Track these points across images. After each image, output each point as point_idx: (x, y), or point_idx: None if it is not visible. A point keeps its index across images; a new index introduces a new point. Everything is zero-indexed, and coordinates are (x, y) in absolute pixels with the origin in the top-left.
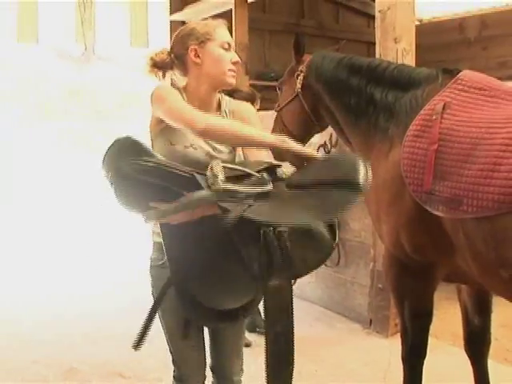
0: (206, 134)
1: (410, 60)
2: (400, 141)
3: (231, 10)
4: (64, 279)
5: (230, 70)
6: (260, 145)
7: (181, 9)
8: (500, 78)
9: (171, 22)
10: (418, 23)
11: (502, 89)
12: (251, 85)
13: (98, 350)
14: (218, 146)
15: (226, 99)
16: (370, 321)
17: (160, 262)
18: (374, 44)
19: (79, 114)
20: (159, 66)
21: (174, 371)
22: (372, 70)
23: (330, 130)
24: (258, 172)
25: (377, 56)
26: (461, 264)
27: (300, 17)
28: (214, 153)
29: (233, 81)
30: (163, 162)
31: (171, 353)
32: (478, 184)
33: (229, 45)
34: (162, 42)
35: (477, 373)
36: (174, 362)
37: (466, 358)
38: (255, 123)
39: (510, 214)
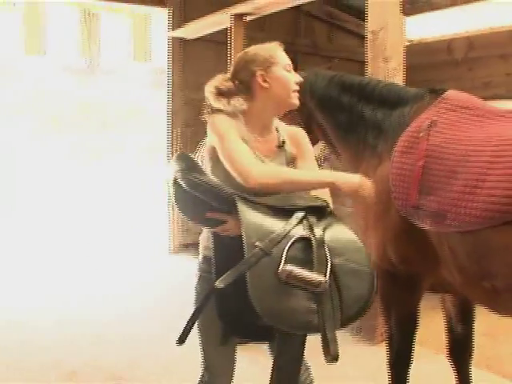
0: (257, 190)
1: (398, 79)
2: (388, 156)
3: (229, 28)
4: (66, 284)
5: (294, 91)
6: (318, 187)
7: (180, 26)
8: (485, 98)
9: (171, 38)
10: (407, 44)
11: (485, 108)
12: None
13: (99, 354)
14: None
15: (277, 121)
16: (360, 328)
17: (210, 275)
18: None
19: (89, 127)
20: (225, 93)
21: (203, 376)
22: (362, 88)
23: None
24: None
25: (368, 75)
26: (445, 275)
27: (295, 36)
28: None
29: (297, 101)
30: (208, 181)
31: (204, 358)
32: (461, 199)
33: (290, 66)
34: (163, 57)
35: (460, 379)
36: (205, 367)
37: (450, 365)
38: (309, 147)
39: (491, 228)
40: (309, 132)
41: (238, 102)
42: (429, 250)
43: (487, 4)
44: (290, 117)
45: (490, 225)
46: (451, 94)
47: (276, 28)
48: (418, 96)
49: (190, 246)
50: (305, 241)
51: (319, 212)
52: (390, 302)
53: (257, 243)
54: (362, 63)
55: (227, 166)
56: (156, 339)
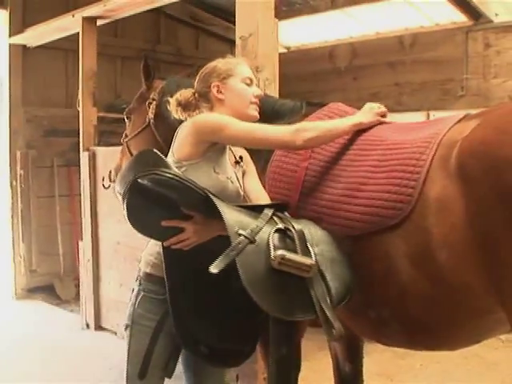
0: (307, 147)
1: (272, 90)
2: (261, 177)
3: (78, 34)
4: None
5: (252, 103)
6: (350, 130)
7: (21, 31)
8: None
9: (10, 45)
10: (284, 51)
11: None
12: (100, 117)
13: None
14: (240, 184)
15: None
16: (237, 376)
17: (161, 297)
18: None
19: None
20: (184, 105)
21: None
22: None
23: None
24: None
25: None
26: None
27: (156, 42)
28: (240, 190)
29: (256, 113)
30: (180, 175)
31: None
32: (341, 202)
33: (250, 80)
34: (0, 66)
35: None
36: None
37: None
38: (253, 164)
39: (370, 235)
40: (169, 147)
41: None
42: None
43: (372, 7)
44: (144, 134)
45: (369, 229)
46: (335, 103)
47: (132, 33)
48: (295, 109)
49: (38, 290)
50: (281, 233)
51: (281, 212)
52: (268, 342)
53: (240, 231)
54: None
55: (250, 144)
56: None
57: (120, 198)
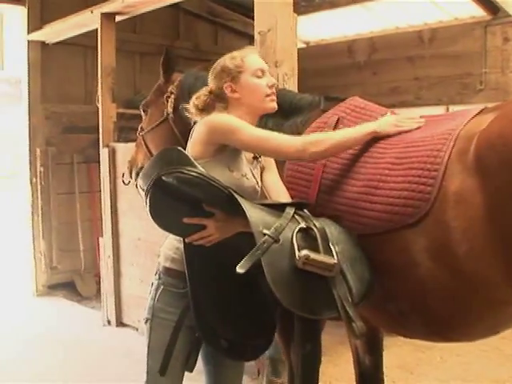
0: (318, 159)
1: (291, 85)
2: (280, 173)
3: (96, 30)
4: None
5: (267, 95)
6: (362, 140)
7: (40, 27)
8: (392, 105)
9: (29, 41)
10: (304, 46)
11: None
12: (119, 114)
13: None
14: (258, 180)
15: None
16: (258, 371)
17: (181, 290)
18: None
19: None
20: (202, 108)
21: None
22: None
23: None
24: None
25: None
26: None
27: (175, 38)
28: (257, 186)
29: (274, 104)
30: (205, 174)
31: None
32: (360, 200)
33: (262, 71)
34: (18, 64)
35: None
36: None
37: None
38: (272, 160)
39: (391, 240)
40: (187, 143)
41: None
42: None
43: (392, 2)
44: (162, 127)
45: (388, 228)
46: (356, 98)
47: (150, 29)
48: (314, 103)
49: (58, 287)
50: (304, 232)
51: (301, 209)
52: (289, 336)
53: (264, 231)
54: None
55: (259, 151)
56: None
57: (143, 193)
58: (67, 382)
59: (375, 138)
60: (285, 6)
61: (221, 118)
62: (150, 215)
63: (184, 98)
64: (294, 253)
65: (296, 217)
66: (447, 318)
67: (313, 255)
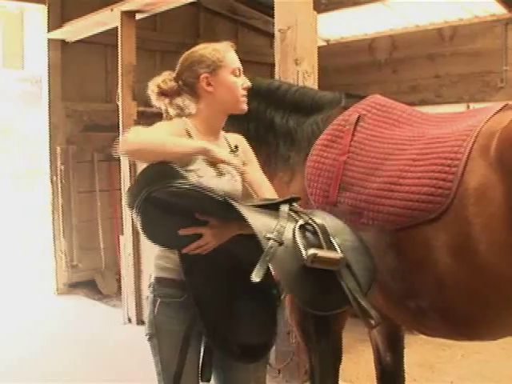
0: (129, 156)
1: (312, 83)
2: (301, 170)
3: (117, 28)
4: None
5: (242, 96)
6: (186, 155)
7: (60, 26)
8: (412, 103)
9: (49, 40)
10: (324, 44)
11: (412, 112)
12: (139, 112)
13: None
14: (234, 174)
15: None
16: (279, 370)
17: (178, 299)
18: None
19: None
20: (167, 93)
21: None
22: (272, 93)
23: None
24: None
25: (276, 79)
26: (369, 298)
27: (195, 36)
28: (231, 180)
29: (245, 107)
30: (198, 185)
31: None
32: (380, 196)
33: (239, 70)
34: (38, 62)
35: None
36: None
37: None
38: (253, 153)
39: (411, 235)
40: None
41: (183, 103)
42: None
43: (412, 0)
44: None
45: (408, 224)
46: (377, 95)
47: (171, 28)
48: (334, 101)
49: (79, 285)
50: (303, 228)
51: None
52: (310, 334)
53: (268, 235)
54: (273, 66)
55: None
56: None
57: (132, 210)
58: (88, 380)
59: (394, 134)
60: (305, 3)
61: (155, 125)
62: (142, 233)
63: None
64: (301, 252)
65: (292, 214)
66: (467, 315)
67: (320, 253)
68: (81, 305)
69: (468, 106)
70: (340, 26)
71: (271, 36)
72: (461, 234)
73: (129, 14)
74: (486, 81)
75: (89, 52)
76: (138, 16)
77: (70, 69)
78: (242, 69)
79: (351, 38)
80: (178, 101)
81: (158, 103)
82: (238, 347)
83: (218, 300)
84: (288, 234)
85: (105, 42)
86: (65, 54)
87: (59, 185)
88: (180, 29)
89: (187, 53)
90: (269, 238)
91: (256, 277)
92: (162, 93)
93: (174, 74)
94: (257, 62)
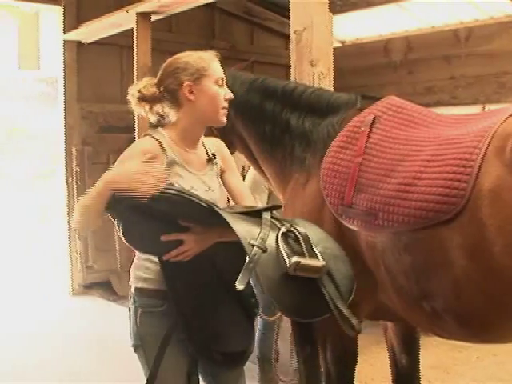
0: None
1: (327, 85)
2: (317, 172)
3: (132, 29)
4: None
5: (223, 107)
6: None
7: (75, 27)
8: (428, 104)
9: (65, 41)
10: (339, 45)
11: (427, 113)
12: None
13: None
14: (211, 185)
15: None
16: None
17: (159, 309)
18: None
19: None
20: (147, 99)
21: None
22: (287, 95)
23: (242, 162)
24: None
25: (292, 80)
26: (384, 300)
27: (211, 38)
28: (208, 192)
29: (224, 120)
30: (183, 190)
31: None
32: (395, 198)
33: (222, 80)
34: (54, 64)
35: None
36: None
37: None
38: (232, 158)
39: (426, 237)
40: (227, 144)
41: (163, 110)
42: (364, 274)
43: (427, 1)
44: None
45: (423, 225)
46: (393, 97)
47: (186, 29)
48: (350, 102)
49: (94, 286)
50: (284, 236)
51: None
52: (325, 335)
53: (252, 242)
54: (288, 67)
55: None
56: None
57: (113, 217)
58: (104, 381)
59: (409, 135)
60: (321, 4)
61: (131, 147)
62: (125, 240)
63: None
64: (284, 260)
65: (274, 221)
66: (482, 318)
67: (303, 260)
68: (96, 306)
69: (483, 108)
70: (355, 28)
71: (286, 37)
72: (475, 235)
73: (144, 16)
74: (501, 82)
75: (104, 53)
76: (154, 17)
77: (86, 70)
78: (224, 79)
79: (366, 39)
80: (158, 108)
81: (138, 109)
82: (220, 354)
83: (199, 308)
84: (271, 242)
85: (120, 43)
86: (80, 56)
87: (75, 186)
88: (195, 30)
89: (171, 59)
90: (253, 245)
91: (240, 284)
92: (143, 99)
93: (155, 80)
94: (272, 63)
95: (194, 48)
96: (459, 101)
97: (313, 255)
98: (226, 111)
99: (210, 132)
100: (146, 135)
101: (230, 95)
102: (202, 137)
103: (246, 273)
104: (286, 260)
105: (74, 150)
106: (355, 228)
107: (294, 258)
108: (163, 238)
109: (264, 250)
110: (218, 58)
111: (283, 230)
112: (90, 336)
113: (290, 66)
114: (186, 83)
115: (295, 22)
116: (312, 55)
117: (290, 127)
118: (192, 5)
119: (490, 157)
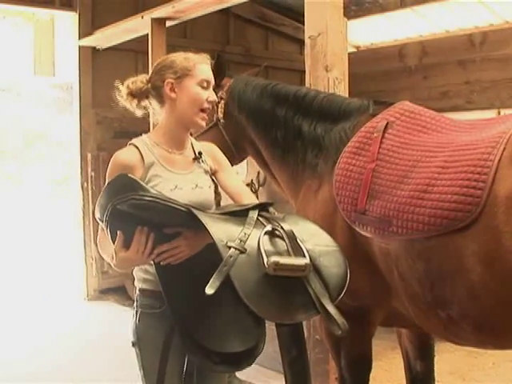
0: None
1: (342, 90)
2: (329, 178)
3: (147, 35)
4: None
5: (202, 110)
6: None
7: (90, 33)
8: (443, 109)
9: (80, 47)
10: (354, 50)
11: (441, 119)
12: None
13: None
14: (199, 182)
15: (192, 139)
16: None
17: (157, 310)
18: None
19: None
20: (134, 94)
21: None
22: (299, 100)
23: (257, 168)
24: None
25: (307, 85)
26: (398, 307)
27: (225, 43)
28: (196, 189)
29: (203, 123)
30: (159, 196)
31: None
32: (409, 205)
33: (207, 83)
34: (69, 69)
35: None
36: None
37: None
38: (225, 158)
39: (440, 244)
40: (237, 150)
41: (152, 107)
42: (378, 281)
43: (442, 5)
44: (212, 133)
45: (437, 232)
46: (406, 102)
47: (201, 35)
48: (362, 108)
49: (110, 292)
50: (270, 234)
51: (266, 210)
52: (339, 341)
53: (229, 243)
54: (303, 72)
55: None
56: None
57: (101, 224)
58: None
59: (422, 141)
60: (335, 10)
61: (114, 157)
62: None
63: (233, 103)
64: (263, 260)
65: (260, 220)
66: (497, 325)
67: (282, 260)
68: (111, 311)
69: (499, 112)
70: (370, 33)
71: (301, 42)
72: (491, 242)
73: (159, 21)
74: None
75: (119, 59)
76: (169, 23)
77: (101, 75)
78: (211, 82)
79: (381, 44)
80: (146, 103)
81: (127, 104)
82: (217, 355)
83: (195, 309)
84: (252, 242)
85: (135, 48)
86: (95, 61)
87: (90, 191)
88: (210, 36)
89: (161, 58)
90: (229, 247)
91: (209, 289)
92: (130, 93)
93: (147, 77)
94: (287, 68)
95: (209, 53)
96: (474, 105)
97: (299, 252)
98: (204, 115)
99: (221, 137)
100: (129, 144)
101: (213, 97)
102: (194, 140)
103: (218, 276)
104: (265, 260)
105: (89, 155)
106: (369, 235)
107: (273, 258)
108: (156, 250)
109: (242, 252)
110: (208, 61)
111: (268, 228)
112: (105, 341)
113: (304, 72)
114: (168, 80)
115: (310, 28)
116: (327, 60)
117: (301, 133)
118: (207, 10)
119: (505, 163)
